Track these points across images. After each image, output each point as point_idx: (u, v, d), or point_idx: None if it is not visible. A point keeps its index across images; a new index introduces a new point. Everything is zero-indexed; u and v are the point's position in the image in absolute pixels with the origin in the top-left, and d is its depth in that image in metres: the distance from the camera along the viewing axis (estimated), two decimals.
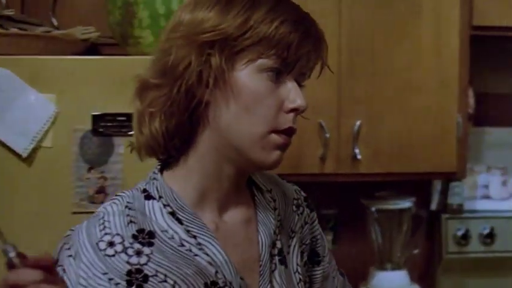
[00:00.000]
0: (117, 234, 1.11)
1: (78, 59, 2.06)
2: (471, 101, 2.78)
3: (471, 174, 2.92)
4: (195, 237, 1.14)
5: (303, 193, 1.38)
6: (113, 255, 1.09)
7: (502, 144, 3.03)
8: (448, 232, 2.89)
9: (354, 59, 2.48)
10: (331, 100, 2.47)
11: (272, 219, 1.25)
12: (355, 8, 2.48)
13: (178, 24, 1.15)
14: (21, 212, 1.98)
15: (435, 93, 2.54)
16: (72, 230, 1.15)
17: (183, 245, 1.13)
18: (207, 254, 1.14)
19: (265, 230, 1.23)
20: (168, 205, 1.15)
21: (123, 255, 1.10)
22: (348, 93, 2.48)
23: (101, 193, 2.00)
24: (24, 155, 1.98)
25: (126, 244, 1.11)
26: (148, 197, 1.17)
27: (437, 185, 2.96)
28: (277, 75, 1.13)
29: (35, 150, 1.99)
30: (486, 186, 3.01)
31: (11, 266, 0.98)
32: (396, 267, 2.80)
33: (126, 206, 1.15)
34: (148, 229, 1.13)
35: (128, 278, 1.09)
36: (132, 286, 1.08)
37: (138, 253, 1.10)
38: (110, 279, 1.08)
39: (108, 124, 2.01)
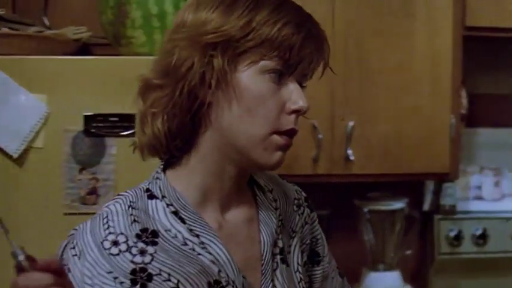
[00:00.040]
0: (121, 234, 1.12)
1: (70, 59, 2.05)
2: (464, 101, 2.78)
3: (464, 175, 2.93)
4: (198, 236, 1.16)
5: (303, 193, 1.40)
6: (117, 254, 1.10)
7: (495, 145, 3.05)
8: (441, 233, 2.90)
9: (347, 60, 2.48)
10: (324, 101, 2.48)
11: (274, 219, 1.26)
12: (349, 8, 2.49)
13: (181, 25, 1.16)
14: (13, 213, 1.96)
15: (428, 94, 2.55)
16: (76, 229, 1.16)
17: (186, 244, 1.15)
18: (210, 253, 1.15)
19: (267, 230, 1.24)
20: (171, 204, 1.16)
21: (127, 254, 1.11)
22: (341, 94, 2.48)
23: (93, 194, 1.99)
24: (15, 155, 1.97)
25: (130, 243, 1.12)
26: (152, 196, 1.18)
27: (430, 186, 2.97)
28: (279, 76, 1.15)
29: (26, 151, 1.98)
30: (479, 187, 3.02)
31: (20, 269, 0.97)
32: (389, 267, 2.81)
33: (130, 206, 1.16)
34: (152, 228, 1.14)
35: (133, 276, 1.10)
36: (137, 285, 1.09)
37: (142, 252, 1.12)
38: (115, 278, 1.09)
39: (100, 125, 2.00)
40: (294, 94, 1.15)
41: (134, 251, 1.11)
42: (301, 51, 1.13)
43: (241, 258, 1.19)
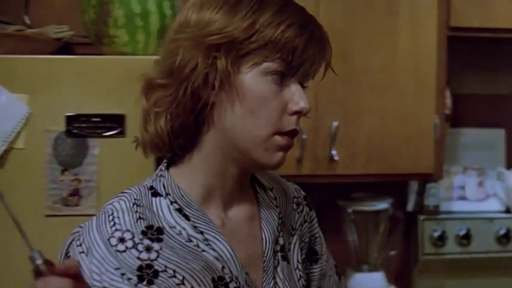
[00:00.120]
0: (127, 231, 1.15)
1: (52, 59, 2.04)
2: (448, 101, 2.80)
3: (447, 175, 2.96)
4: (202, 233, 1.19)
5: (302, 192, 1.43)
6: (124, 251, 1.13)
7: (478, 145, 3.06)
8: (425, 233, 2.92)
9: (331, 60, 2.46)
10: (308, 101, 2.45)
11: (275, 217, 1.30)
12: (333, 8, 2.49)
13: (184, 24, 1.19)
14: None
15: (412, 94, 2.56)
16: (81, 226, 1.19)
17: (190, 241, 1.18)
18: (214, 250, 1.19)
19: (269, 227, 1.28)
20: (176, 202, 1.19)
21: (133, 250, 1.13)
22: (324, 94, 2.48)
23: (75, 196, 1.97)
24: None
25: (136, 240, 1.14)
26: (156, 194, 1.21)
27: (414, 186, 2.99)
28: (281, 78, 1.18)
29: (6, 151, 1.96)
30: (462, 188, 3.05)
31: (38, 273, 0.96)
32: (373, 268, 2.83)
33: (134, 203, 1.18)
34: (157, 225, 1.17)
35: (139, 273, 1.12)
36: (143, 281, 1.12)
37: (148, 249, 1.14)
38: (122, 274, 1.12)
39: (82, 125, 1.98)
40: (295, 95, 1.19)
41: (140, 247, 1.14)
42: (303, 53, 1.17)
43: (244, 255, 1.22)
